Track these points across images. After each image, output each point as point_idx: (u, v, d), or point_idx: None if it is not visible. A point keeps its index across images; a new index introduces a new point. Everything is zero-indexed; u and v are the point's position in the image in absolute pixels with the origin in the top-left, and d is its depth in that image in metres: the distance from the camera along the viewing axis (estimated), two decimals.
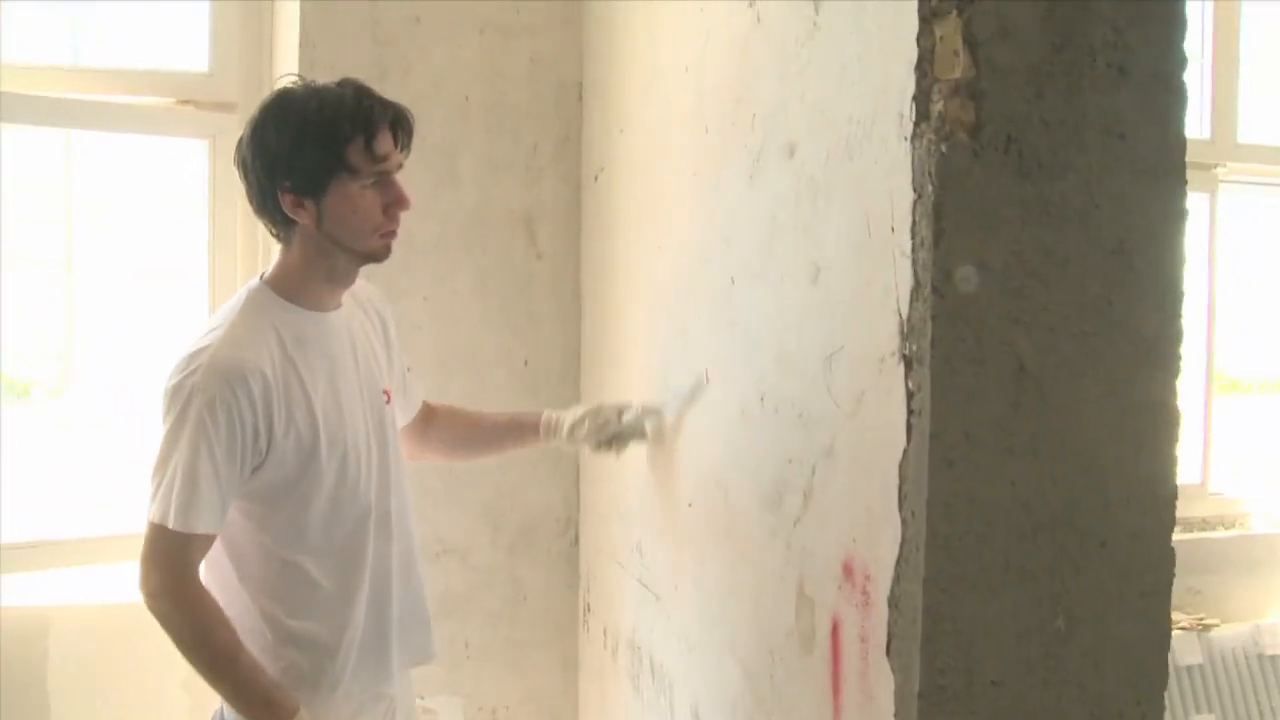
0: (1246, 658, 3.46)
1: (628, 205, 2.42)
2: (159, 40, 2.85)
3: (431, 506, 2.69)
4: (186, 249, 2.81)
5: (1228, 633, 3.43)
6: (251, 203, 1.77)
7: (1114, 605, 1.36)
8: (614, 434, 2.12)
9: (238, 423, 1.68)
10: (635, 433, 2.12)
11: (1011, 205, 1.28)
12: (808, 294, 1.55)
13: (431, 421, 2.15)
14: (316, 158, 1.69)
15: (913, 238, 1.29)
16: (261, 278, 1.83)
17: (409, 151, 1.79)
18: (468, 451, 2.27)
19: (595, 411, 2.14)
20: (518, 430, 2.21)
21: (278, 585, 1.78)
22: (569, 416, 2.14)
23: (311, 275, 1.79)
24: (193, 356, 1.71)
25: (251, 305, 1.78)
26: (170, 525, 1.67)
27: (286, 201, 1.71)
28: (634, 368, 2.37)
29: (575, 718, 2.87)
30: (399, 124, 1.75)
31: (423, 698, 2.67)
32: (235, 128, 2.75)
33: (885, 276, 1.35)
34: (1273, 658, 3.48)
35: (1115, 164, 1.31)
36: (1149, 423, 1.36)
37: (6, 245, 2.65)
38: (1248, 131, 3.52)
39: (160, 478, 1.69)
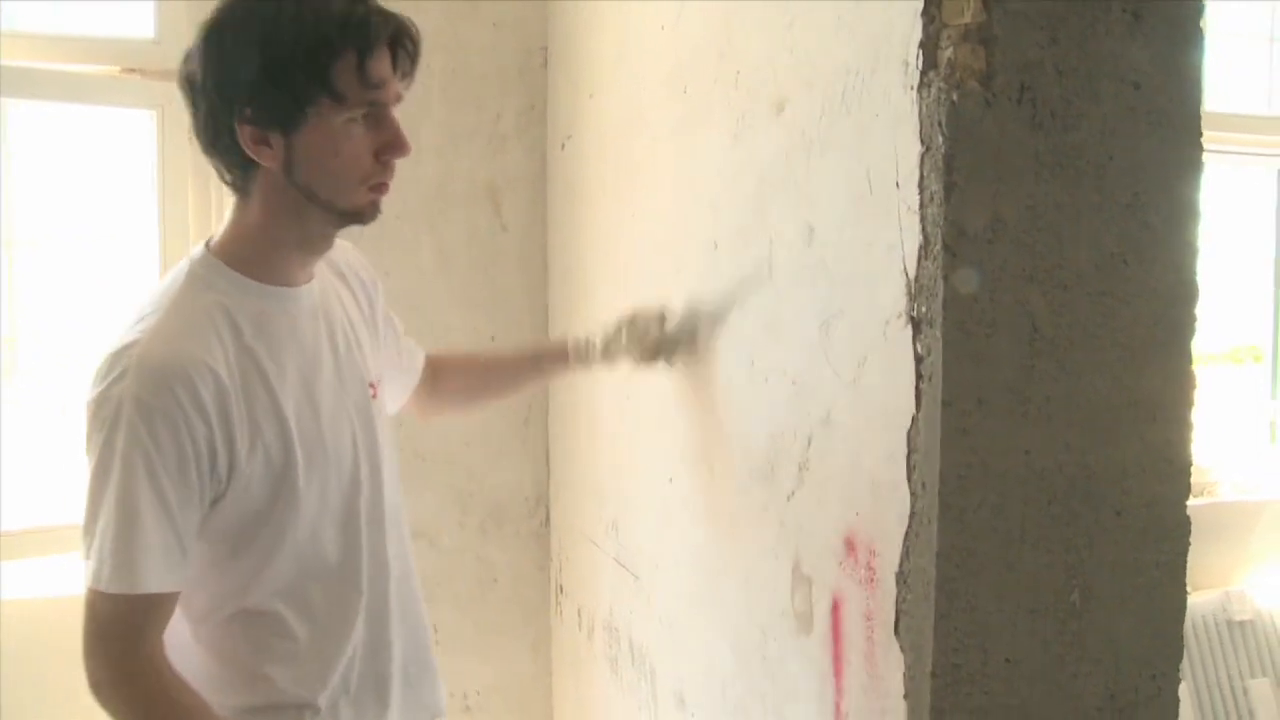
0: (1216, 624, 3.47)
1: (598, 173, 2.34)
2: (100, 4, 2.72)
3: None
4: (135, 225, 2.69)
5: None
6: (199, 137, 1.38)
7: (1130, 577, 1.30)
8: (656, 344, 1.81)
9: (187, 438, 1.30)
10: (681, 341, 1.80)
11: (1024, 157, 1.21)
12: (801, 256, 1.47)
13: (440, 375, 1.86)
14: (291, 77, 1.29)
15: (921, 192, 1.22)
16: (207, 245, 1.44)
17: (411, 80, 1.42)
18: (486, 397, 2.02)
19: (630, 322, 1.83)
20: (539, 362, 1.97)
21: (240, 639, 1.43)
22: (600, 333, 1.85)
23: (277, 238, 1.41)
24: (116, 356, 1.32)
25: (194, 282, 1.39)
26: (105, 588, 1.29)
27: (246, 135, 1.32)
28: None
29: (549, 701, 2.80)
30: (400, 42, 1.37)
31: None
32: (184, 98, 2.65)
33: (889, 234, 1.27)
34: (1242, 624, 3.50)
35: (1130, 114, 1.24)
36: (1165, 386, 1.29)
37: None
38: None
39: (92, 526, 1.31)
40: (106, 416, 1.30)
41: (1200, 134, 1.29)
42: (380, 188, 1.41)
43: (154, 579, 1.31)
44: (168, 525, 1.31)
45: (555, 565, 2.72)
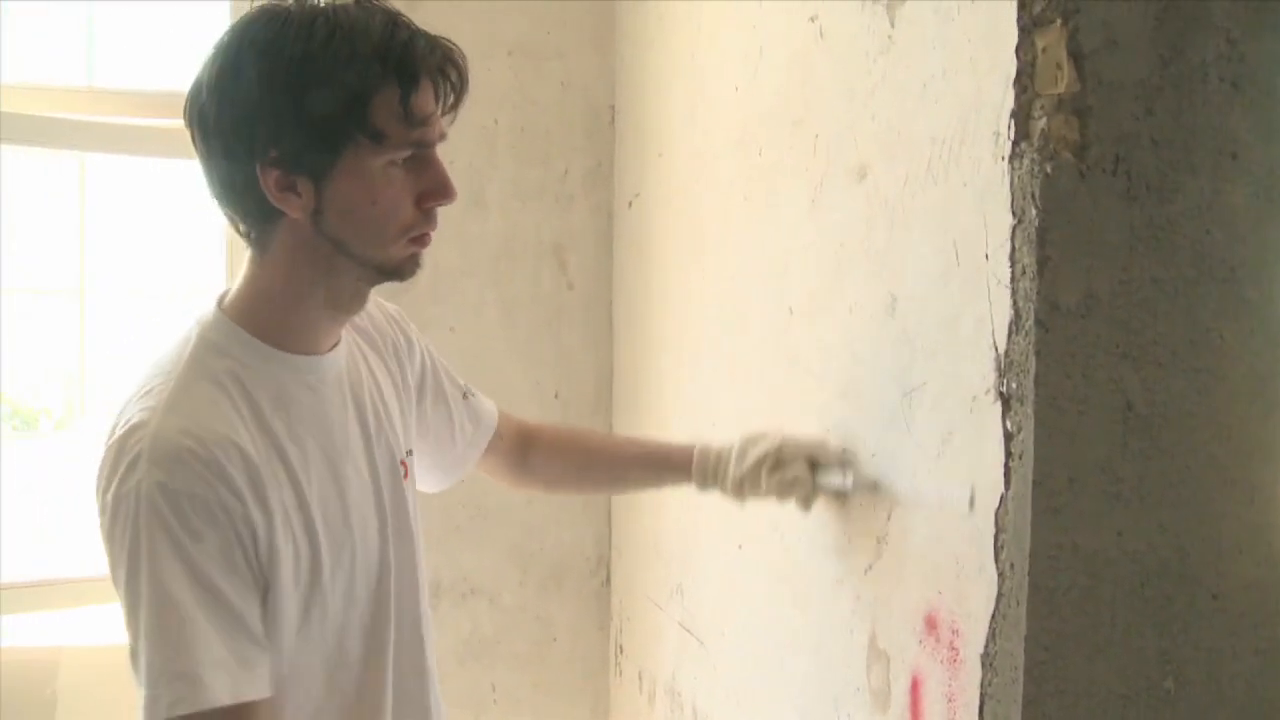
0: None
1: (665, 233, 2.33)
2: (175, 62, 2.77)
3: (458, 546, 2.59)
4: (202, 275, 2.72)
5: None
6: (211, 184, 1.20)
7: (1226, 664, 1.25)
8: (799, 487, 1.53)
9: (224, 519, 1.13)
10: (833, 490, 1.53)
11: (1119, 231, 1.18)
12: (882, 326, 1.44)
13: (534, 450, 1.68)
14: (324, 115, 1.13)
15: (1012, 266, 1.19)
16: (219, 303, 1.26)
17: (455, 116, 1.24)
18: (585, 487, 1.78)
19: (775, 458, 1.52)
20: (658, 468, 1.66)
21: None
22: (734, 463, 1.55)
23: (302, 298, 1.23)
24: (123, 445, 1.14)
25: (205, 348, 1.21)
26: (165, 713, 1.08)
27: (270, 181, 1.15)
28: (671, 400, 2.27)
29: None
30: (445, 73, 1.20)
31: None
32: None
33: (978, 308, 1.25)
34: None
35: (1228, 186, 1.21)
36: (1263, 465, 1.25)
37: (17, 270, 2.57)
38: None
39: (137, 651, 1.12)
40: (126, 517, 1.12)
41: None
42: (422, 239, 1.24)
43: (223, 688, 1.10)
44: (229, 621, 1.13)
45: (616, 625, 2.69)
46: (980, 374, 1.24)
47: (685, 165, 2.21)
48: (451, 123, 1.24)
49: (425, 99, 1.18)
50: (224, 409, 1.18)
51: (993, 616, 1.24)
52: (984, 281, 1.24)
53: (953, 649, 1.31)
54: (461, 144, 2.57)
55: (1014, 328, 1.19)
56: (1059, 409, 1.17)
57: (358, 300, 1.29)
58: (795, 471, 1.52)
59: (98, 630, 2.64)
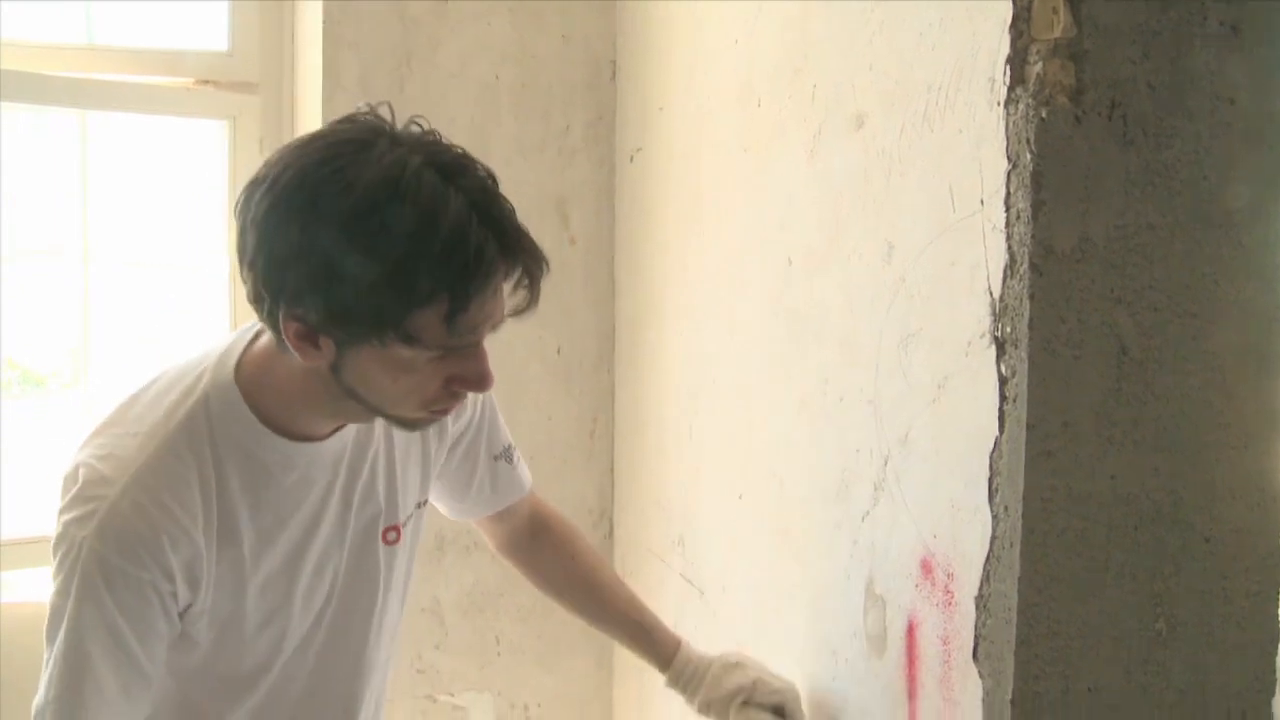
0: None
1: (667, 187, 2.33)
2: (177, 19, 2.76)
3: None
4: (206, 235, 2.73)
5: None
6: (244, 283, 1.14)
7: (1218, 606, 1.27)
8: None
9: (151, 594, 1.17)
10: None
11: (1115, 175, 1.18)
12: (880, 274, 1.45)
13: (545, 541, 1.67)
14: (360, 302, 1.06)
15: (1007, 210, 1.20)
16: (237, 365, 1.22)
17: (532, 303, 1.19)
18: (569, 605, 1.71)
19: (747, 695, 1.57)
20: (641, 644, 1.67)
21: None
22: (708, 685, 1.60)
23: (312, 408, 1.22)
24: (89, 490, 1.16)
25: (201, 413, 1.19)
26: None
27: (290, 330, 1.10)
28: (672, 354, 2.28)
29: (610, 715, 2.79)
30: (519, 280, 1.14)
31: (452, 694, 2.60)
32: (256, 108, 2.68)
33: (973, 253, 1.25)
34: None
35: (1224, 131, 1.22)
36: (1257, 410, 1.26)
37: (19, 231, 2.57)
38: None
39: (47, 657, 1.20)
40: (66, 558, 1.16)
41: None
42: (442, 412, 1.21)
43: None
44: (133, 677, 1.19)
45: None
46: (975, 319, 1.25)
47: (686, 119, 2.21)
48: (520, 306, 1.17)
49: (480, 312, 1.10)
50: (188, 493, 1.19)
51: (987, 559, 1.25)
52: (979, 227, 1.24)
53: (948, 592, 1.33)
54: (463, 100, 2.56)
55: (1009, 272, 1.20)
56: (1053, 353, 1.18)
57: (367, 424, 1.30)
58: (762, 718, 1.57)
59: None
